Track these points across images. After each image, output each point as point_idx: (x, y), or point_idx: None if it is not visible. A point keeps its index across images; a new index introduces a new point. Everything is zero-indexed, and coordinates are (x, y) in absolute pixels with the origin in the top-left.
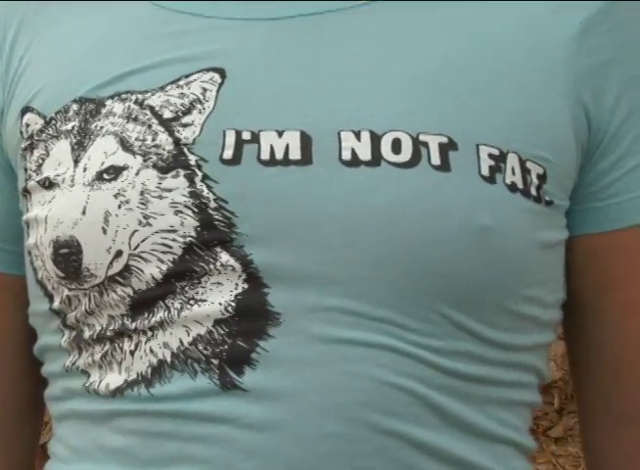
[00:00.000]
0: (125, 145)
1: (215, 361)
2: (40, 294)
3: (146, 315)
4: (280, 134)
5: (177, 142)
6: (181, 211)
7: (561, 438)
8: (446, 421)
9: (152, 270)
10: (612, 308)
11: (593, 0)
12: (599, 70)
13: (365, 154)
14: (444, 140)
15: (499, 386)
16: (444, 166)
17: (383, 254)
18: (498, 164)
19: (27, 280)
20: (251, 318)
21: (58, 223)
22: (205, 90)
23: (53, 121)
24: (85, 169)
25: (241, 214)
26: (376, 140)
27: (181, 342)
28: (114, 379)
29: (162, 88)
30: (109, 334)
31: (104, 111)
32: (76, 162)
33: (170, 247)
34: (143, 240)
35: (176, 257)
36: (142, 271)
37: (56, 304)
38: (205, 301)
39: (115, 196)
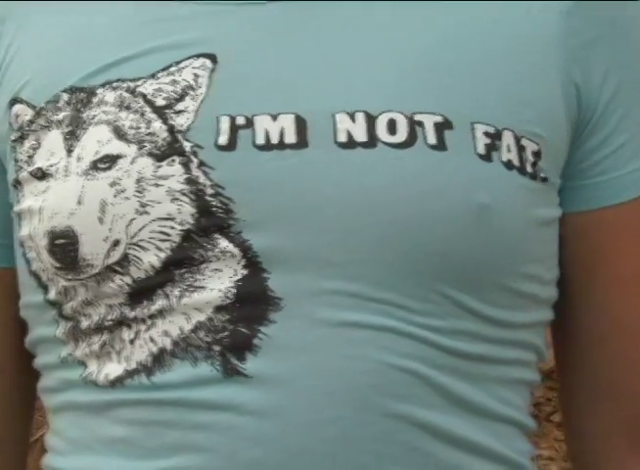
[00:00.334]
0: (119, 134)
1: (217, 348)
2: (34, 285)
3: (145, 304)
4: (274, 118)
5: (171, 129)
6: (178, 199)
7: None
8: (449, 401)
9: (150, 259)
10: (599, 285)
11: None
12: (587, 49)
13: (361, 135)
14: (439, 119)
15: (499, 364)
16: (440, 146)
17: (381, 235)
18: (494, 142)
19: (19, 272)
20: (251, 304)
21: (53, 214)
22: (196, 76)
23: (43, 112)
24: (79, 159)
25: (238, 200)
26: (371, 121)
27: (181, 329)
28: (113, 369)
29: (154, 76)
30: (107, 324)
31: (95, 100)
32: (69, 151)
33: (168, 234)
34: (140, 228)
35: (175, 244)
36: (140, 260)
37: (51, 294)
38: (204, 288)
39: (111, 185)
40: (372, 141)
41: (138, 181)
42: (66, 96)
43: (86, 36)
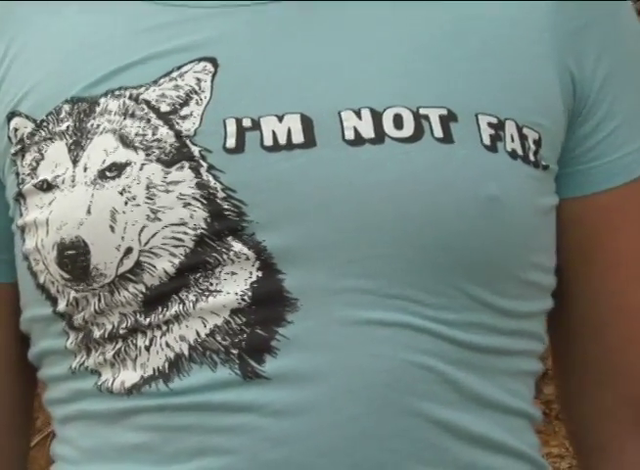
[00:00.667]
0: (125, 141)
1: (235, 351)
2: (41, 298)
3: (160, 310)
4: (280, 119)
5: (178, 134)
6: (190, 204)
7: None
8: (464, 396)
9: (164, 265)
10: (596, 270)
11: None
12: (579, 35)
13: (368, 132)
14: (444, 112)
15: (509, 355)
16: (447, 139)
17: (396, 230)
18: (498, 133)
19: (22, 286)
20: (268, 306)
21: (61, 225)
22: (199, 80)
23: (44, 124)
24: (86, 169)
25: (250, 202)
26: (377, 117)
27: (198, 334)
28: (128, 376)
29: (156, 82)
30: (121, 332)
31: (98, 109)
32: (75, 161)
33: (182, 240)
34: (153, 235)
35: (188, 249)
36: (154, 267)
37: (61, 306)
38: (220, 291)
39: (121, 193)
40: (380, 137)
41: (148, 188)
42: (67, 107)
43: (84, 47)
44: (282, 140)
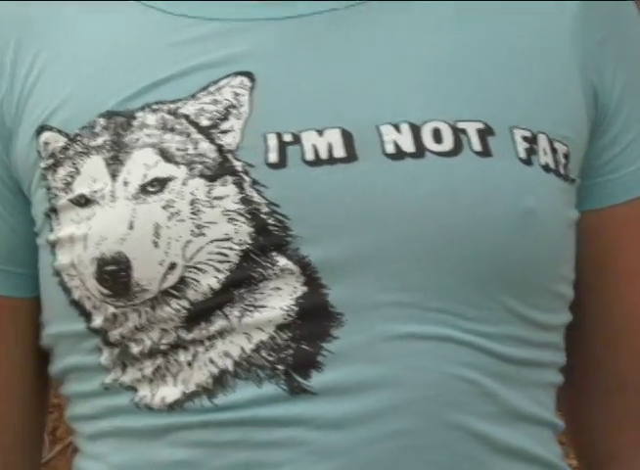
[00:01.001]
0: (166, 156)
1: (281, 367)
2: (74, 314)
3: (203, 326)
4: (320, 133)
5: (220, 149)
6: (234, 219)
7: None
8: (501, 409)
9: (209, 280)
10: (610, 281)
11: None
12: (599, 48)
13: (408, 146)
14: (481, 126)
15: (540, 367)
16: (486, 152)
17: (435, 244)
18: (532, 146)
19: (49, 301)
20: (313, 321)
21: (101, 240)
22: (237, 95)
23: (79, 138)
24: (126, 183)
25: (294, 217)
26: (416, 131)
27: (243, 350)
28: (169, 392)
29: (194, 96)
30: (161, 347)
31: (136, 123)
32: (114, 176)
33: (227, 255)
34: (198, 250)
35: (234, 265)
36: (199, 282)
37: (97, 322)
38: (264, 306)
39: (165, 208)
40: (420, 151)
41: (192, 203)
42: (102, 121)
43: (117, 61)
44: (323, 155)
